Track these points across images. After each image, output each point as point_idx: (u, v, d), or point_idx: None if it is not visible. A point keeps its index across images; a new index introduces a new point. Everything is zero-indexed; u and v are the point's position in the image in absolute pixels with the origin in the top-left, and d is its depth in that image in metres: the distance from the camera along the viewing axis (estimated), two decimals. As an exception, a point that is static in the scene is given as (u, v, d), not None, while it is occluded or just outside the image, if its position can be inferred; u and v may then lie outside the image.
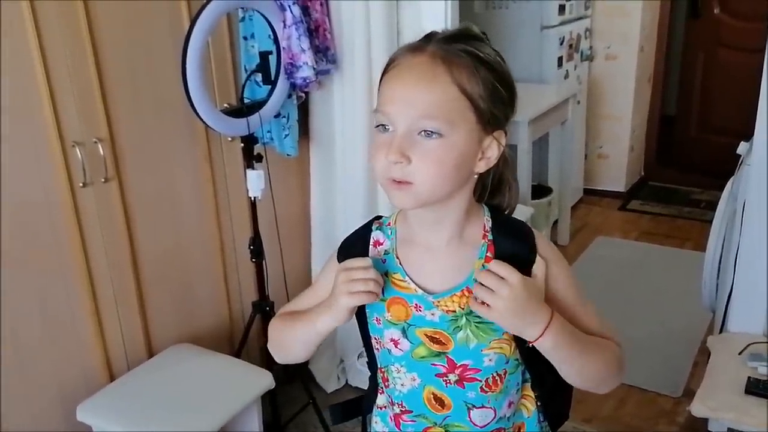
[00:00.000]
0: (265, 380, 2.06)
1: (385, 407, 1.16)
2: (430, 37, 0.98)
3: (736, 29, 4.48)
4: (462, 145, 0.95)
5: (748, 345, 2.06)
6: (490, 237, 1.04)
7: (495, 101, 0.96)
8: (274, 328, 1.17)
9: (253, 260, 2.26)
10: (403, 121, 0.94)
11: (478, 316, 1.01)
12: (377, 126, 0.97)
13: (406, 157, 0.93)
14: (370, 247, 1.08)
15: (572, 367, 1.04)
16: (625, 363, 1.09)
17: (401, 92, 0.95)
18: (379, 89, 0.99)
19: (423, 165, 0.93)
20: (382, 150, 0.95)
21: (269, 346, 1.19)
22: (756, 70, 2.05)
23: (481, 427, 1.08)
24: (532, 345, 1.00)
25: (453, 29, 0.99)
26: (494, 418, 1.08)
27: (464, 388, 1.05)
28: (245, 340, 2.32)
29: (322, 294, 1.07)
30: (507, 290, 0.95)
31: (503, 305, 0.95)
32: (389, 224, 1.09)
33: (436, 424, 1.08)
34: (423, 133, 0.93)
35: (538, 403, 1.14)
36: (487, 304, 0.96)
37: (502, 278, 0.96)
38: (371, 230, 1.10)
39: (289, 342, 1.14)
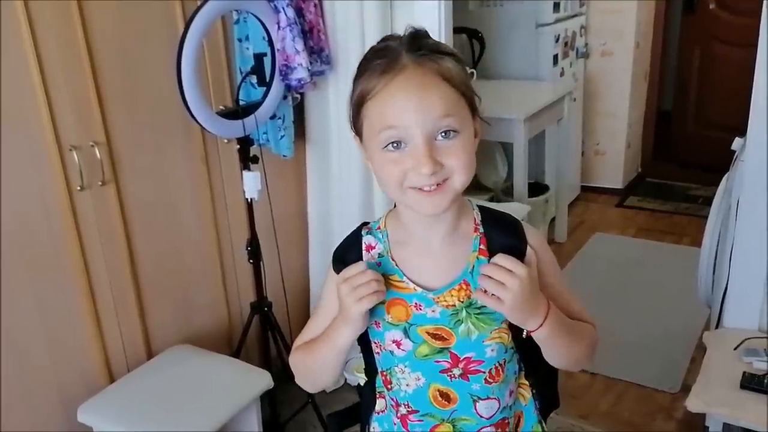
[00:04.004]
0: (264, 380, 2.08)
1: (383, 411, 1.17)
2: (391, 53, 0.97)
3: (732, 24, 4.49)
4: (470, 134, 0.99)
5: (744, 340, 2.07)
6: (482, 230, 1.06)
7: (469, 85, 1.00)
8: (296, 360, 1.16)
9: (251, 261, 2.28)
10: (421, 129, 0.94)
11: (478, 308, 1.03)
12: (386, 146, 0.96)
13: (439, 163, 0.95)
14: (363, 252, 1.09)
15: (559, 352, 1.08)
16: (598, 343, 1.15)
17: (411, 102, 0.94)
18: (364, 116, 0.99)
19: (453, 162, 0.96)
20: (398, 165, 0.95)
21: (297, 381, 1.19)
22: (752, 65, 2.05)
23: (487, 419, 1.10)
24: (529, 335, 1.03)
25: (406, 36, 0.99)
26: (498, 408, 1.10)
27: (469, 380, 1.07)
28: (244, 341, 2.34)
29: (333, 309, 1.07)
30: (517, 282, 0.97)
31: (513, 297, 0.98)
32: (378, 228, 1.10)
33: (443, 420, 1.10)
34: (443, 134, 0.95)
35: (533, 391, 1.16)
36: (497, 297, 0.98)
37: (509, 271, 0.98)
38: (362, 236, 1.10)
39: (315, 368, 1.13)
